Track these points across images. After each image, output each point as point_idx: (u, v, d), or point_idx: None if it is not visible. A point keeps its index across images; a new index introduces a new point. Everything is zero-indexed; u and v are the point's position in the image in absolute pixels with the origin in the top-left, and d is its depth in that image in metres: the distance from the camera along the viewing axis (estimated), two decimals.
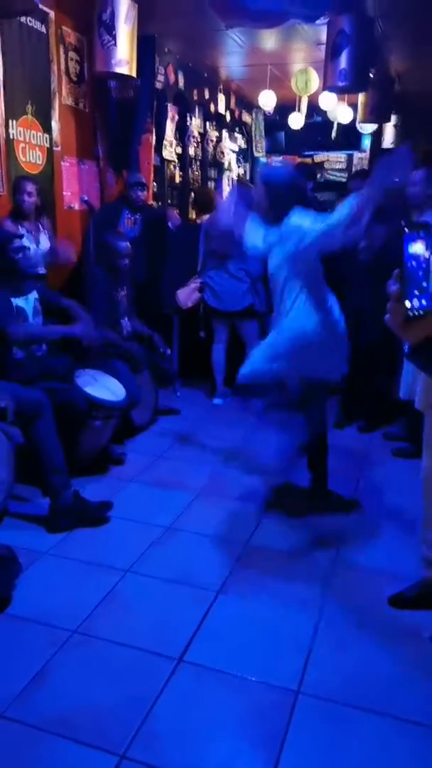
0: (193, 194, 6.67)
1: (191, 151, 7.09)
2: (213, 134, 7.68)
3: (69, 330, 3.40)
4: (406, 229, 0.84)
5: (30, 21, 4.23)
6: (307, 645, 2.12)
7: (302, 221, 2.71)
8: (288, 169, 3.13)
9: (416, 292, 0.84)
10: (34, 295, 3.35)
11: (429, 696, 1.90)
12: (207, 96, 7.09)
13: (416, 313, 0.85)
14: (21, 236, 3.52)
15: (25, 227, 3.96)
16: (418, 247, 0.84)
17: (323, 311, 2.80)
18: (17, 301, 3.24)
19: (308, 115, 7.12)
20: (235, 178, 8.23)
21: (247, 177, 9.01)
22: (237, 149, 8.66)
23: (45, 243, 4.10)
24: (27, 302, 3.29)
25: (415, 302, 0.84)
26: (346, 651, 2.11)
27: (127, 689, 1.91)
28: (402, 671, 2.01)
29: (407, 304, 0.84)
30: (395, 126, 7.92)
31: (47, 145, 4.54)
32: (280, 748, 1.71)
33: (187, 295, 4.56)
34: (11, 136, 4.18)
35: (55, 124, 4.62)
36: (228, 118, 7.84)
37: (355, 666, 2.03)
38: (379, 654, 2.10)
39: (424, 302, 0.84)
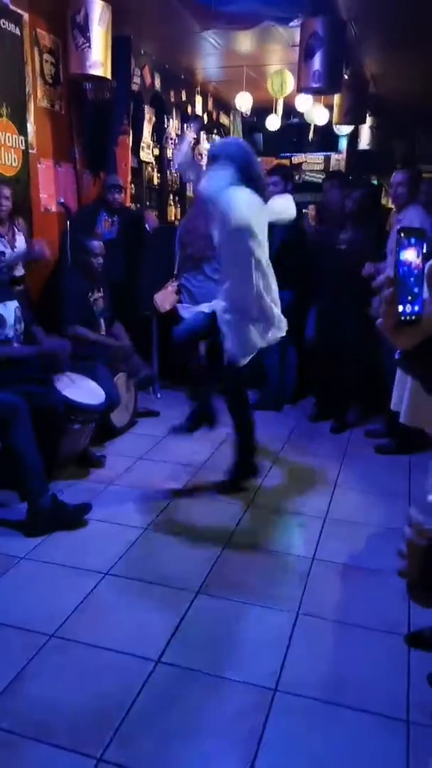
0: None
1: (169, 152, 7.09)
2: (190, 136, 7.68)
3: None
4: (401, 236, 0.86)
5: (4, 23, 4.20)
6: (285, 643, 2.13)
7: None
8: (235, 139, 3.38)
9: (408, 298, 0.86)
10: (14, 303, 3.32)
11: (404, 691, 1.92)
12: (184, 98, 7.08)
13: (408, 318, 0.87)
14: None
15: None
16: (409, 254, 0.86)
17: None
18: None
19: (285, 117, 7.15)
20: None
21: None
22: None
23: (21, 245, 4.03)
24: (6, 309, 3.26)
25: (408, 307, 0.87)
26: (323, 648, 2.12)
27: (104, 692, 1.91)
28: (378, 667, 2.03)
29: (399, 308, 0.86)
30: (371, 127, 8.00)
31: (23, 147, 4.50)
32: (257, 747, 1.72)
33: (164, 297, 4.56)
34: None
35: (30, 127, 4.59)
36: (205, 119, 7.84)
37: (332, 663, 2.05)
38: (356, 651, 2.12)
39: (416, 308, 0.87)
